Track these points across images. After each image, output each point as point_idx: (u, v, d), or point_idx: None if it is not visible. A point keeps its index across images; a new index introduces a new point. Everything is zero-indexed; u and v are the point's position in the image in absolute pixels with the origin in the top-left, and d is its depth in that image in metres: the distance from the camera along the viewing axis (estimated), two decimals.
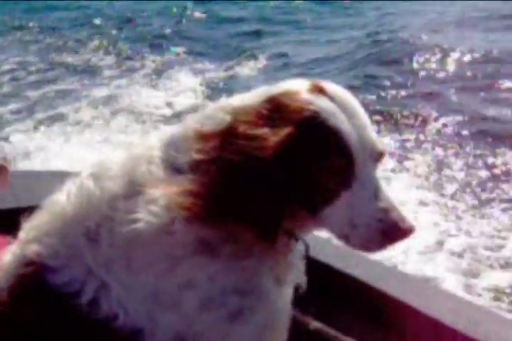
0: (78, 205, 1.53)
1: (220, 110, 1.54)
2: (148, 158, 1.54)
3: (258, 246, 1.50)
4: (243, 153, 1.42)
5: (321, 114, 1.46)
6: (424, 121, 8.77)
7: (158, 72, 12.93)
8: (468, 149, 7.75)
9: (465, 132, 8.30)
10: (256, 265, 1.50)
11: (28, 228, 1.59)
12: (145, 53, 14.64)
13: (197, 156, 1.46)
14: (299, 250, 1.65)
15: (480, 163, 7.35)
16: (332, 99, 1.50)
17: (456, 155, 7.62)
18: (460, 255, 5.54)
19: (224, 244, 1.47)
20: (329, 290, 2.41)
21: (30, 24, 19.25)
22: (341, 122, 1.47)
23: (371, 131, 1.52)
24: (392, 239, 1.47)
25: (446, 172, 7.20)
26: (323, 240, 2.69)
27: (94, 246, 1.47)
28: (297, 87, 1.53)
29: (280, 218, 1.46)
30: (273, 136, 1.42)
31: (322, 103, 1.48)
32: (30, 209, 1.62)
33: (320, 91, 1.51)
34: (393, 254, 5.15)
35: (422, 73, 10.94)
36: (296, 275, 1.64)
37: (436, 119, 8.79)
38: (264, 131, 1.43)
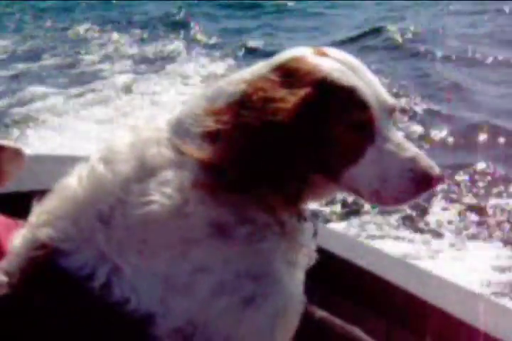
0: (90, 189, 1.52)
1: (230, 84, 1.55)
2: (156, 140, 1.53)
3: (274, 227, 1.51)
4: (262, 116, 1.42)
5: (333, 73, 1.49)
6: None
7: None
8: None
9: None
10: (271, 248, 1.50)
11: (39, 212, 1.58)
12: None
13: (211, 127, 1.46)
14: (308, 231, 1.65)
15: None
16: (337, 60, 1.53)
17: None
18: None
19: (239, 226, 1.47)
20: (334, 280, 2.42)
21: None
22: (354, 79, 1.50)
23: (380, 86, 1.55)
24: (425, 187, 1.49)
25: None
26: (329, 230, 2.71)
27: (106, 229, 1.46)
28: (302, 52, 1.56)
29: (304, 181, 1.47)
30: (291, 97, 1.44)
31: (331, 64, 1.52)
32: (36, 193, 1.61)
33: (324, 54, 1.55)
34: None
35: None
36: (308, 257, 1.64)
37: None
38: (281, 93, 1.45)
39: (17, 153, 1.82)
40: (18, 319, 1.46)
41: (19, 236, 1.58)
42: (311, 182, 1.51)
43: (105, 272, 1.45)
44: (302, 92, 1.45)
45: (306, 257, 1.64)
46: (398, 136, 1.53)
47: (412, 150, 1.50)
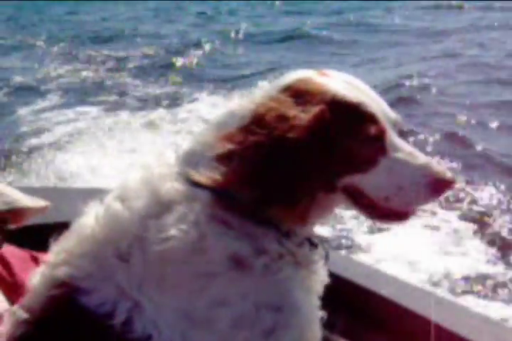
0: (108, 227, 1.53)
1: (239, 108, 1.57)
2: (169, 174, 1.55)
3: (287, 257, 1.53)
4: (276, 135, 1.45)
5: (341, 91, 1.54)
6: None
7: None
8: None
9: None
10: (288, 278, 1.52)
11: (57, 250, 1.59)
12: None
13: (224, 150, 1.48)
14: (319, 257, 1.66)
15: None
16: (341, 80, 1.58)
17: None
18: None
19: (256, 258, 1.48)
20: (355, 308, 2.41)
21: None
22: (360, 96, 1.54)
23: (383, 102, 1.60)
24: (441, 191, 1.54)
25: None
26: (348, 258, 2.70)
27: (126, 266, 1.48)
28: (306, 74, 1.60)
29: (314, 198, 1.51)
30: (304, 115, 1.47)
31: (337, 83, 1.56)
32: (57, 226, 1.63)
33: (327, 75, 1.60)
34: None
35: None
36: (321, 283, 1.65)
37: None
38: (293, 112, 1.48)
39: (41, 211, 1.84)
40: None
41: (38, 274, 1.59)
42: (320, 197, 1.54)
43: (126, 309, 1.46)
44: (315, 110, 1.48)
45: (319, 283, 1.65)
46: (407, 145, 1.57)
47: (422, 157, 1.55)
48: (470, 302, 4.93)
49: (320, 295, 1.64)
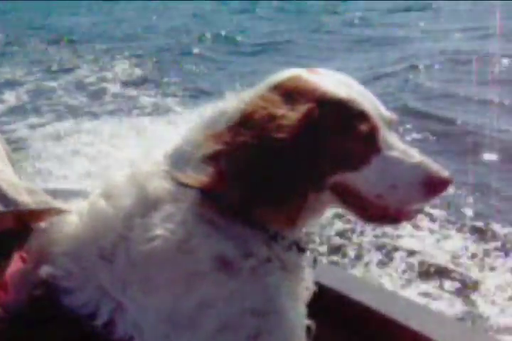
0: (91, 225, 1.50)
1: (229, 107, 1.54)
2: (156, 173, 1.52)
3: (275, 262, 1.50)
4: (264, 134, 1.42)
5: (331, 89, 1.51)
6: None
7: None
8: None
9: None
10: (275, 283, 1.48)
11: (39, 248, 1.56)
12: None
13: (211, 150, 1.45)
14: (307, 263, 1.63)
15: None
16: (331, 78, 1.56)
17: None
18: None
19: (243, 260, 1.45)
20: (336, 316, 2.38)
21: None
22: (351, 93, 1.51)
23: (376, 100, 1.57)
24: (437, 191, 1.50)
25: None
26: (330, 266, 2.68)
27: (109, 266, 1.44)
28: (296, 72, 1.57)
29: (305, 198, 1.47)
30: (293, 114, 1.44)
31: (327, 81, 1.53)
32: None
33: (317, 73, 1.57)
34: None
35: None
36: (307, 290, 1.63)
37: None
38: (282, 111, 1.45)
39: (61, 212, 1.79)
40: None
41: (18, 273, 1.55)
42: (309, 198, 1.50)
43: (108, 310, 1.42)
44: (304, 108, 1.45)
45: (306, 290, 1.62)
46: (401, 143, 1.54)
47: (417, 156, 1.51)
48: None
49: (306, 302, 1.62)
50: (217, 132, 1.48)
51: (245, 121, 1.46)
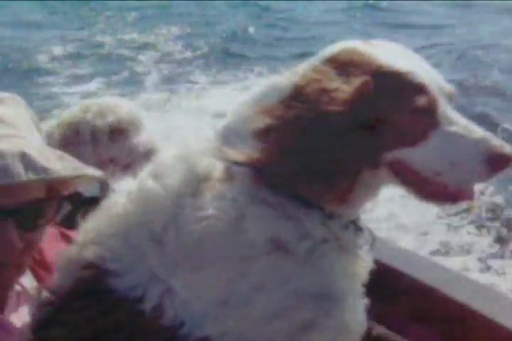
0: (141, 205, 1.44)
1: (281, 81, 1.47)
2: (206, 151, 1.46)
3: (331, 242, 1.43)
4: (318, 108, 1.35)
5: (388, 61, 1.42)
6: None
7: None
8: None
9: None
10: (331, 264, 1.42)
11: (86, 229, 1.51)
12: None
13: (263, 125, 1.38)
14: (365, 242, 1.56)
15: None
16: (389, 49, 1.48)
17: None
18: None
19: (299, 242, 1.38)
20: (391, 293, 2.32)
21: None
22: (410, 66, 1.42)
23: (436, 72, 1.48)
24: (500, 168, 1.40)
25: None
26: (386, 242, 2.61)
27: (159, 248, 1.38)
28: (351, 44, 1.49)
29: (358, 175, 1.41)
30: (347, 87, 1.37)
31: (384, 52, 1.45)
32: (86, 201, 1.55)
33: (374, 45, 1.48)
34: None
35: None
36: (365, 269, 1.55)
37: None
38: (336, 83, 1.38)
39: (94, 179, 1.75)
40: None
41: (66, 254, 1.51)
42: (364, 175, 1.43)
43: (157, 293, 1.37)
44: (358, 81, 1.37)
45: (364, 269, 1.54)
46: (462, 118, 1.44)
47: (479, 131, 1.41)
48: None
49: (364, 282, 1.54)
50: (268, 106, 1.41)
51: (297, 95, 1.39)
